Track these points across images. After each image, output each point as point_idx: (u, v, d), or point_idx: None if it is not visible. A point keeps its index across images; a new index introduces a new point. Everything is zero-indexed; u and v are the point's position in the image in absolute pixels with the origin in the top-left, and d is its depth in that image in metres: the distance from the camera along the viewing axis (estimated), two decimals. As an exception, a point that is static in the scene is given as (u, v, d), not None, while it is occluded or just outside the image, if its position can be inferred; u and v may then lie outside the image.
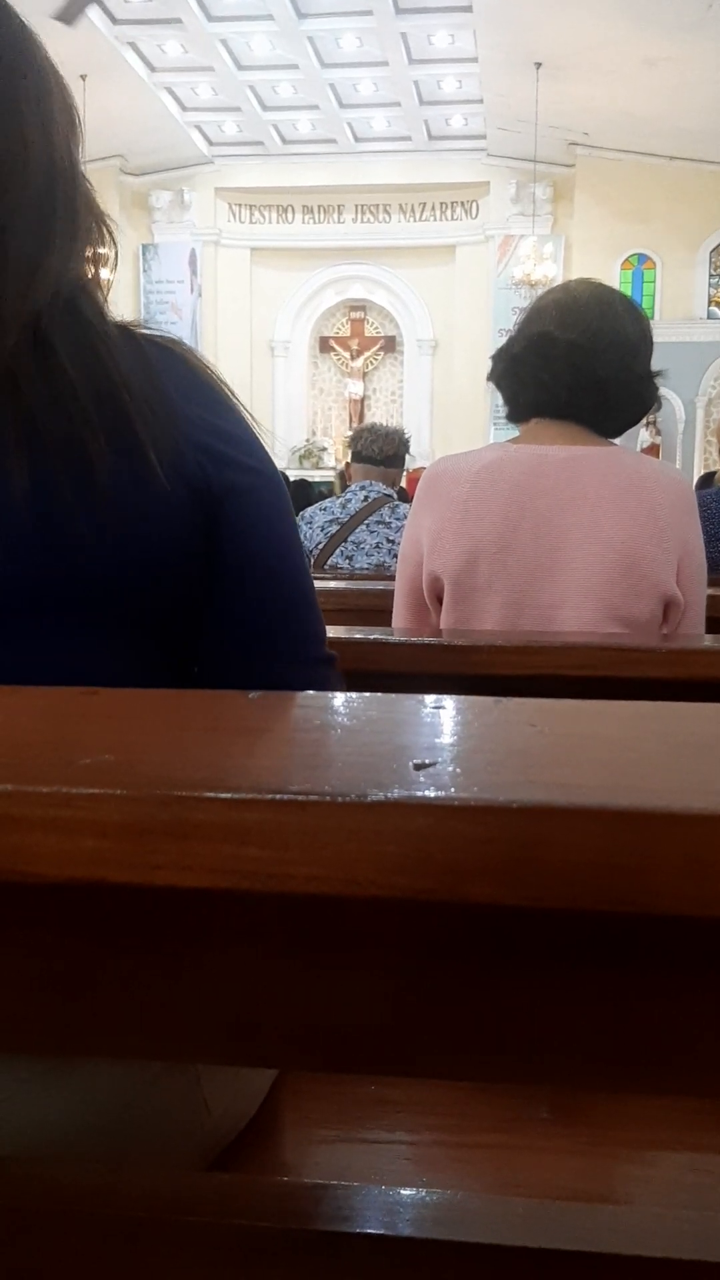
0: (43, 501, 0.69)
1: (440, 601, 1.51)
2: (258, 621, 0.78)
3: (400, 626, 1.59)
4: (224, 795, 0.46)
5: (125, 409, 0.70)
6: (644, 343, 1.51)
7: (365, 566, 3.32)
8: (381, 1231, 0.63)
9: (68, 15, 8.65)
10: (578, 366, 1.46)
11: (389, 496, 3.47)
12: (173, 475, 0.72)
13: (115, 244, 0.82)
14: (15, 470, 0.68)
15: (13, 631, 0.71)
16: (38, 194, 0.75)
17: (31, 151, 0.75)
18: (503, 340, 1.60)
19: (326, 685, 0.83)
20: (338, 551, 3.38)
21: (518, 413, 1.55)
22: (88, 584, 0.71)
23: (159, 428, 0.71)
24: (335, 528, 3.38)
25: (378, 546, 3.33)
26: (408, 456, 3.87)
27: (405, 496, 4.61)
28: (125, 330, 0.77)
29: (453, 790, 0.46)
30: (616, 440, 1.56)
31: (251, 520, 0.76)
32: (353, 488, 3.50)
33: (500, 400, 1.63)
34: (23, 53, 0.77)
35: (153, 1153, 0.80)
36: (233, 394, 0.80)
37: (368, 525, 3.37)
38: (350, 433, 3.87)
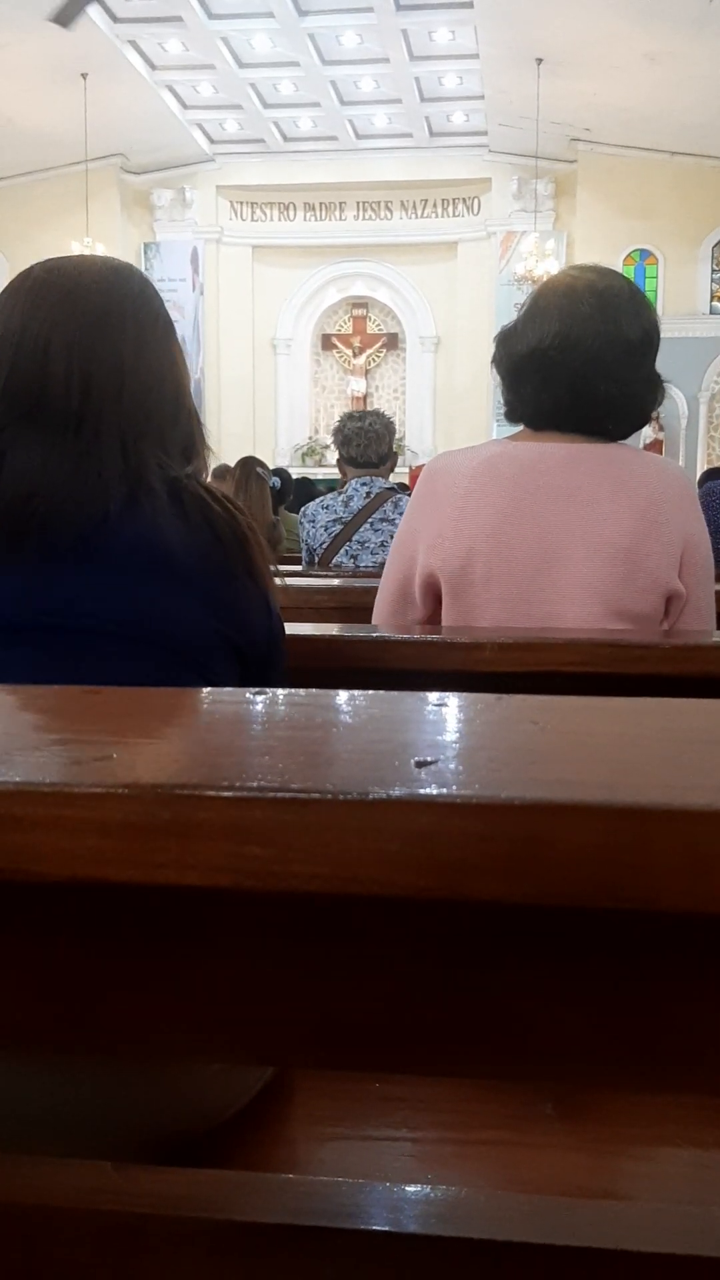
0: (214, 591, 1.02)
1: (438, 597, 1.51)
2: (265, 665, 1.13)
3: (382, 617, 1.59)
4: (225, 794, 0.46)
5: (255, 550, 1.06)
6: (649, 344, 1.49)
7: (370, 565, 3.30)
8: (386, 1228, 0.63)
9: (64, 18, 8.65)
10: (579, 392, 1.46)
11: (392, 490, 3.43)
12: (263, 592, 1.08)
13: (205, 457, 1.16)
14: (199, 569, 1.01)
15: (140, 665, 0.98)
16: (167, 416, 1.09)
17: (168, 387, 1.10)
18: None
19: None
20: (342, 551, 3.36)
21: (516, 419, 1.55)
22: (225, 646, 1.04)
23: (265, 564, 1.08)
24: (338, 528, 3.35)
25: (383, 545, 3.29)
26: (410, 453, 3.82)
27: (409, 490, 4.55)
28: None
29: (454, 788, 0.46)
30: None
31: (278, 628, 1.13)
32: (353, 484, 3.44)
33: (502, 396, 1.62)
34: (165, 313, 1.14)
35: (140, 1135, 0.81)
36: None
37: (371, 524, 3.34)
38: (336, 436, 3.61)
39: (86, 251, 10.41)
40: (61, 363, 1.04)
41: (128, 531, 0.99)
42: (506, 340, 1.53)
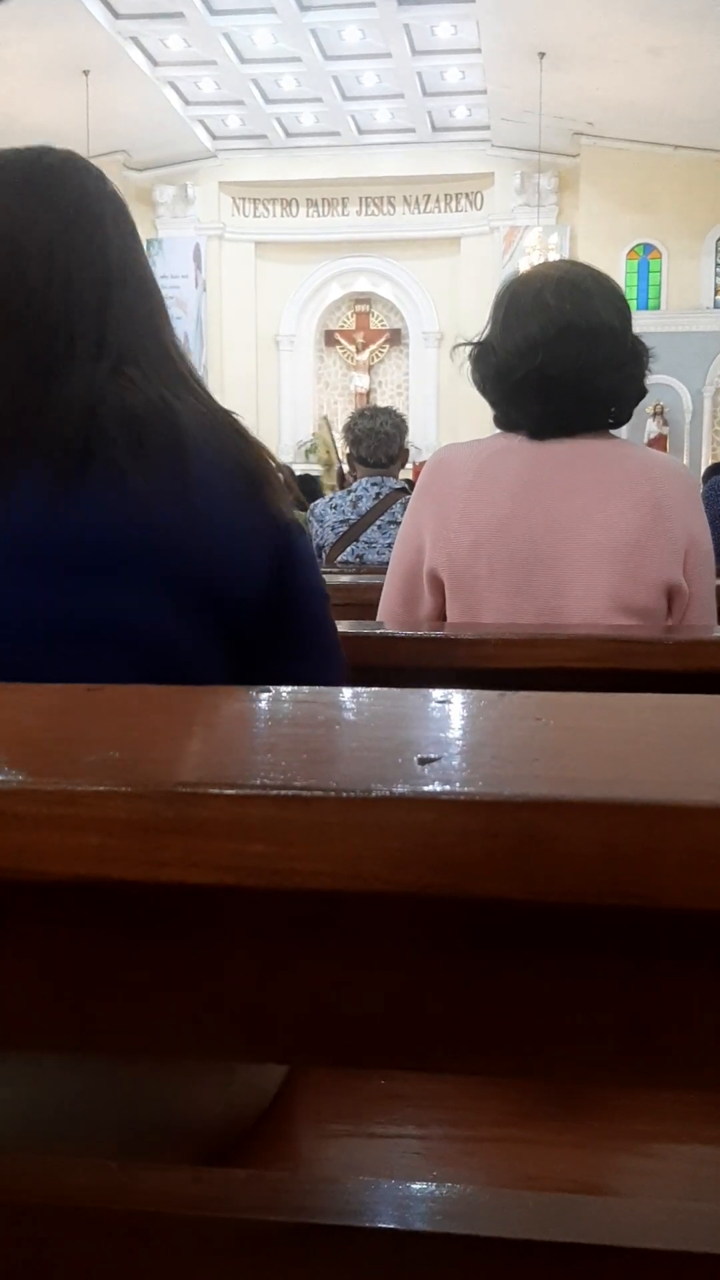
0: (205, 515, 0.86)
1: (441, 590, 1.51)
2: (303, 627, 0.97)
3: (390, 612, 1.59)
4: (228, 791, 0.46)
5: (256, 463, 0.91)
6: (626, 321, 1.49)
7: (376, 563, 3.29)
8: (391, 1226, 0.63)
9: None
10: (583, 396, 1.46)
11: (402, 490, 3.42)
12: (275, 513, 0.91)
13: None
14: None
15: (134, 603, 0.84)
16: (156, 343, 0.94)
17: (156, 306, 0.95)
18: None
19: (342, 670, 1.01)
20: (348, 550, 3.35)
21: (516, 430, 1.52)
22: (209, 579, 0.87)
23: (273, 477, 0.92)
24: (345, 528, 3.34)
25: (389, 545, 3.28)
26: (414, 449, 3.80)
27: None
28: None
29: (457, 785, 0.46)
30: (623, 427, 1.56)
31: (304, 558, 0.96)
32: (363, 483, 3.43)
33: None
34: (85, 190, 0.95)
35: (166, 1144, 0.80)
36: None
37: (379, 525, 3.33)
38: (346, 434, 3.56)
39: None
40: (39, 263, 0.87)
41: (74, 517, 0.82)
42: (483, 358, 1.52)
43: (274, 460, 0.95)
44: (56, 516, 0.82)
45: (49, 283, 0.87)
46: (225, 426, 0.91)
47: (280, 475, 0.95)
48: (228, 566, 0.87)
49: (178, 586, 0.85)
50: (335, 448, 6.53)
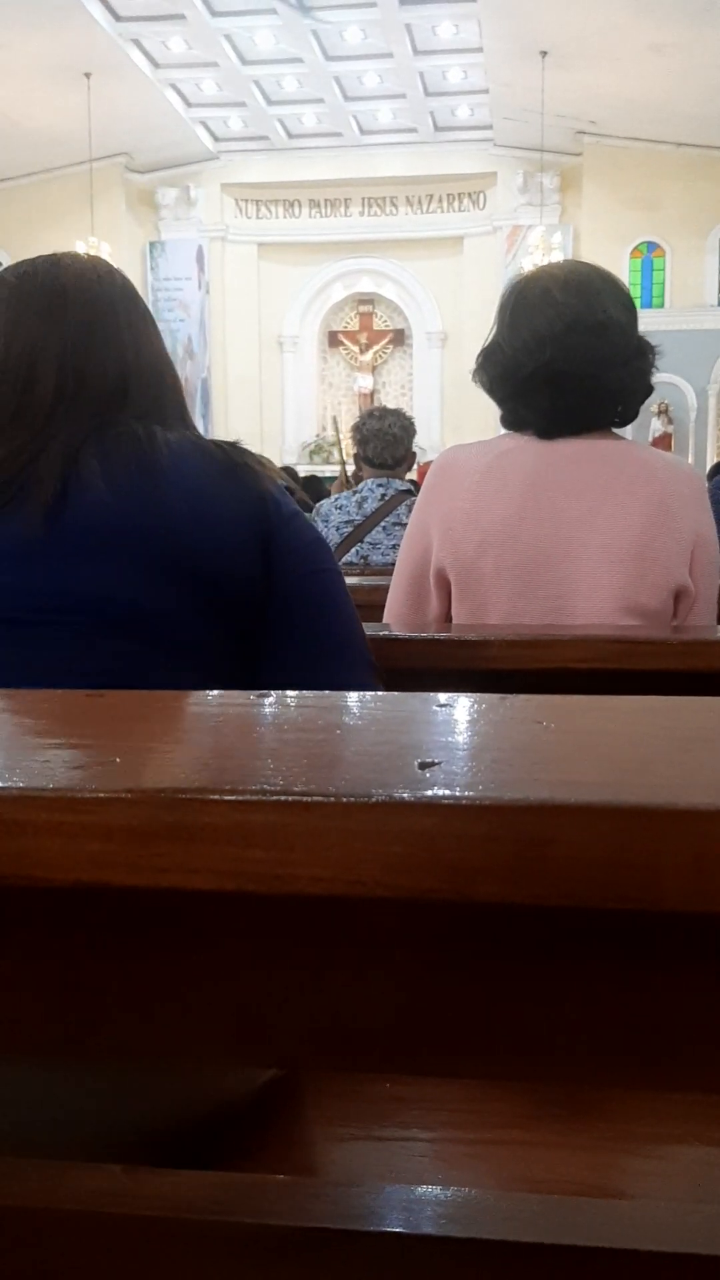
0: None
1: (448, 591, 1.50)
2: (309, 625, 1.01)
3: (396, 613, 1.59)
4: (228, 797, 0.46)
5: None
6: (633, 316, 1.49)
7: (381, 565, 3.28)
8: (397, 1229, 0.62)
9: None
10: (591, 391, 1.45)
11: (408, 492, 3.41)
12: (253, 485, 0.98)
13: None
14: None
15: (107, 650, 0.90)
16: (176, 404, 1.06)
17: (169, 380, 1.06)
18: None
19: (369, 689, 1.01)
20: (352, 551, 3.34)
21: (524, 429, 1.52)
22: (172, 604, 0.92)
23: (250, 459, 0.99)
24: (350, 529, 3.34)
25: (394, 547, 3.27)
26: (418, 449, 3.77)
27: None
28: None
29: (458, 789, 0.46)
30: (628, 427, 1.56)
31: (289, 526, 1.00)
32: (368, 484, 3.42)
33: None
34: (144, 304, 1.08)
35: (153, 1137, 0.80)
36: None
37: (384, 527, 3.32)
38: (354, 434, 3.57)
39: (92, 251, 10.39)
40: (50, 378, 0.98)
41: (70, 511, 0.91)
42: (490, 358, 1.51)
43: (265, 462, 1.01)
44: (32, 567, 0.90)
45: (60, 396, 0.97)
46: (206, 442, 0.99)
47: (268, 467, 1.01)
48: (195, 533, 0.93)
49: (148, 560, 0.91)
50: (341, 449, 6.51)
